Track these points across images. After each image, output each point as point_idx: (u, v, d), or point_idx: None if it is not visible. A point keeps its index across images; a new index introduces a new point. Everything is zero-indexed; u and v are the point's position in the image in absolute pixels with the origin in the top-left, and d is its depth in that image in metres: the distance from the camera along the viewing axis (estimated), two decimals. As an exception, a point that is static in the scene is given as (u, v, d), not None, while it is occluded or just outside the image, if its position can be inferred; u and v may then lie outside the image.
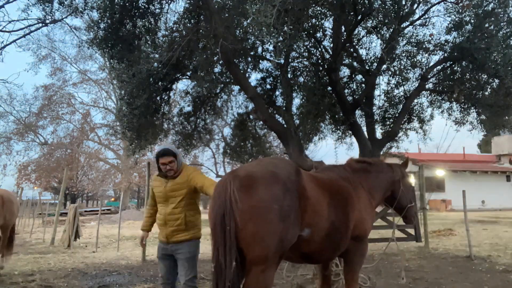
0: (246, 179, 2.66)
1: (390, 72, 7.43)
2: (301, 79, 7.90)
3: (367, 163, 3.73)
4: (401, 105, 7.47)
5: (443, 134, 39.45)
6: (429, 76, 7.15)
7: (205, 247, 8.87)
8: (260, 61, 7.87)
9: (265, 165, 2.85)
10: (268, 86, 7.99)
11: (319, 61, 7.25)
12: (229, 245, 2.52)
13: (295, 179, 2.79)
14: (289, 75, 7.53)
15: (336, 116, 7.99)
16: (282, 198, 2.63)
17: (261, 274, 2.57)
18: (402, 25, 6.23)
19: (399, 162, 4.28)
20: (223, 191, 2.63)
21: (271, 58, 7.73)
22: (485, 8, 5.97)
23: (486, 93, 6.71)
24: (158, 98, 7.16)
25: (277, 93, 7.93)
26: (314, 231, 2.88)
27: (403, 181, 3.86)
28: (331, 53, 6.91)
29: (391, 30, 6.07)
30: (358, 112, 7.67)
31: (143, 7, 6.49)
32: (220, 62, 6.77)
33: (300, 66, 7.96)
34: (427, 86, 7.30)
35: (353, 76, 8.01)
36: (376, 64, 7.07)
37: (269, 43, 6.78)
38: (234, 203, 2.56)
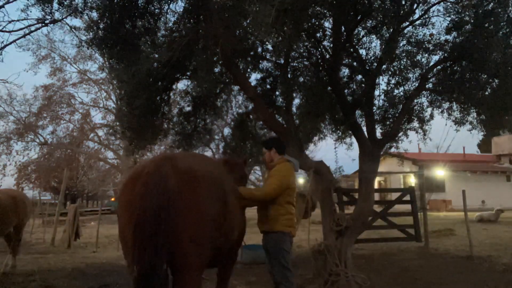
0: (188, 176, 2.41)
1: (390, 72, 7.41)
2: (301, 79, 7.90)
3: (228, 163, 3.78)
4: (401, 105, 7.46)
5: (443, 134, 39.48)
6: (429, 76, 7.14)
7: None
8: (260, 61, 7.86)
9: (203, 163, 2.75)
10: (268, 86, 7.98)
11: (319, 61, 7.25)
12: (161, 245, 2.15)
13: (225, 183, 2.75)
14: (289, 75, 7.52)
15: (336, 116, 7.98)
16: (216, 203, 2.53)
17: (195, 281, 2.38)
18: (402, 25, 6.22)
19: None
20: (159, 181, 2.25)
21: (271, 58, 7.73)
22: (485, 8, 5.95)
23: (486, 93, 6.69)
24: (158, 98, 7.15)
25: (277, 93, 7.93)
26: (224, 240, 2.77)
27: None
28: (331, 53, 6.90)
29: (391, 30, 6.07)
30: (358, 112, 7.66)
31: (142, 7, 6.48)
32: (220, 62, 6.76)
33: (300, 66, 7.95)
34: (427, 86, 7.29)
35: (353, 76, 8.00)
36: (376, 64, 7.07)
37: (268, 43, 6.77)
38: (173, 201, 2.24)
